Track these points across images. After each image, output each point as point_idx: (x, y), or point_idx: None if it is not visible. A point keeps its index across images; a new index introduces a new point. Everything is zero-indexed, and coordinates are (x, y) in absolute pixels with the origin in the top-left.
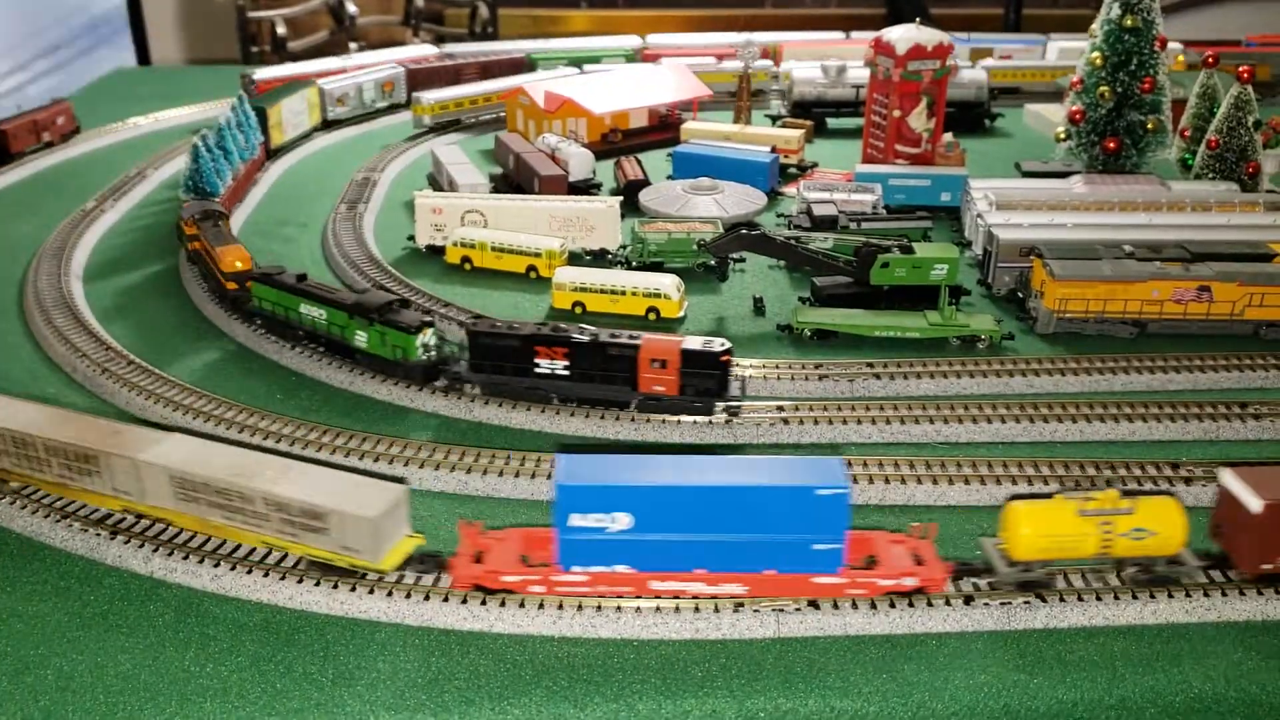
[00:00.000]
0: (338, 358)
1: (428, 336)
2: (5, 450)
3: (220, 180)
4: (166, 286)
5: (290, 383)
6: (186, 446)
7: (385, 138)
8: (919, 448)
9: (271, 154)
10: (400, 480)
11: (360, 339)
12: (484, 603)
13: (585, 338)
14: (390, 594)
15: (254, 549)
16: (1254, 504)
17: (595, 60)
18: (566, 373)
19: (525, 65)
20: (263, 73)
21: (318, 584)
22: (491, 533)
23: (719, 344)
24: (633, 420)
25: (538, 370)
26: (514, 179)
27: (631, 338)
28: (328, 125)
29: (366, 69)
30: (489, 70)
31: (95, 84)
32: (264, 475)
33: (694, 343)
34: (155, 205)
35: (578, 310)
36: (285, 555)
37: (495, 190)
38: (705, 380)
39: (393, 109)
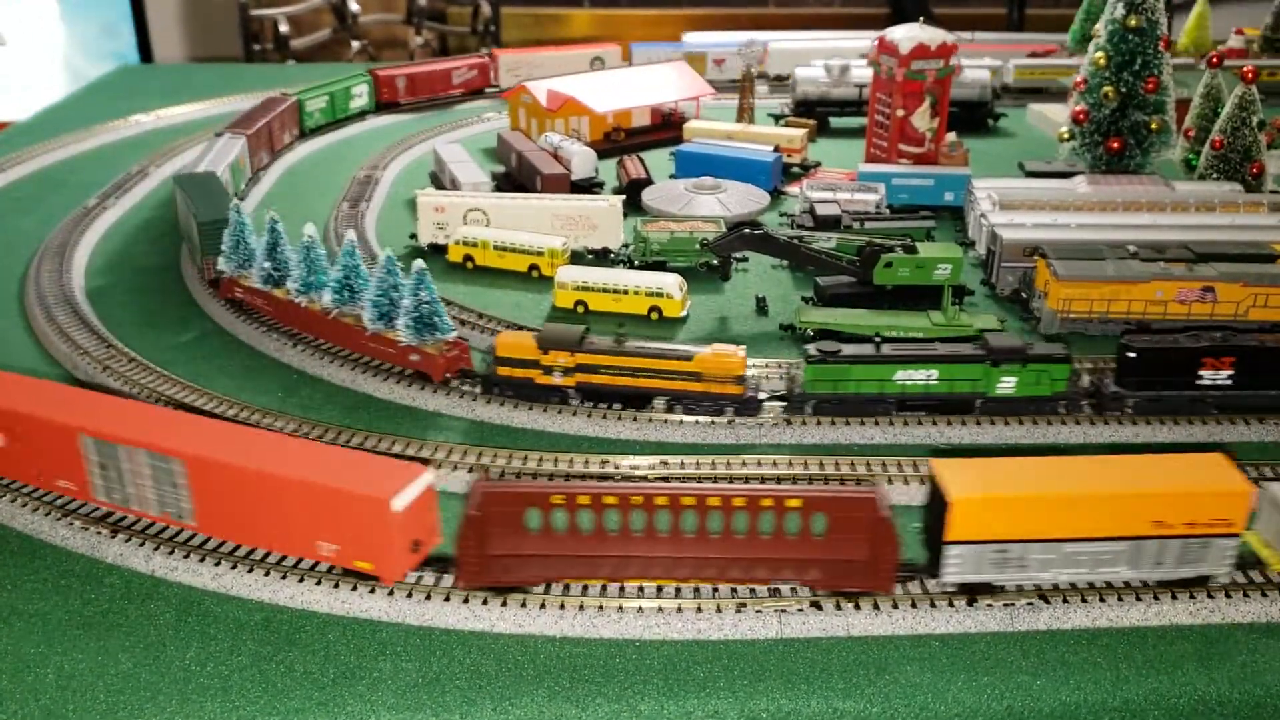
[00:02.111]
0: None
1: None
2: None
3: None
4: (167, 283)
5: (292, 380)
6: None
7: (387, 137)
8: (922, 449)
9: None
10: None
11: (1005, 385)
12: (485, 602)
13: (1255, 344)
14: (391, 593)
15: (254, 548)
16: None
17: (343, 103)
18: (1229, 382)
19: (298, 112)
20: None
21: (319, 583)
22: None
23: None
24: (634, 420)
25: (1201, 382)
26: (516, 177)
27: None
28: None
29: (224, 147)
30: (284, 120)
31: (97, 81)
32: None
33: None
34: (157, 202)
35: (580, 309)
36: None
37: (497, 189)
38: None
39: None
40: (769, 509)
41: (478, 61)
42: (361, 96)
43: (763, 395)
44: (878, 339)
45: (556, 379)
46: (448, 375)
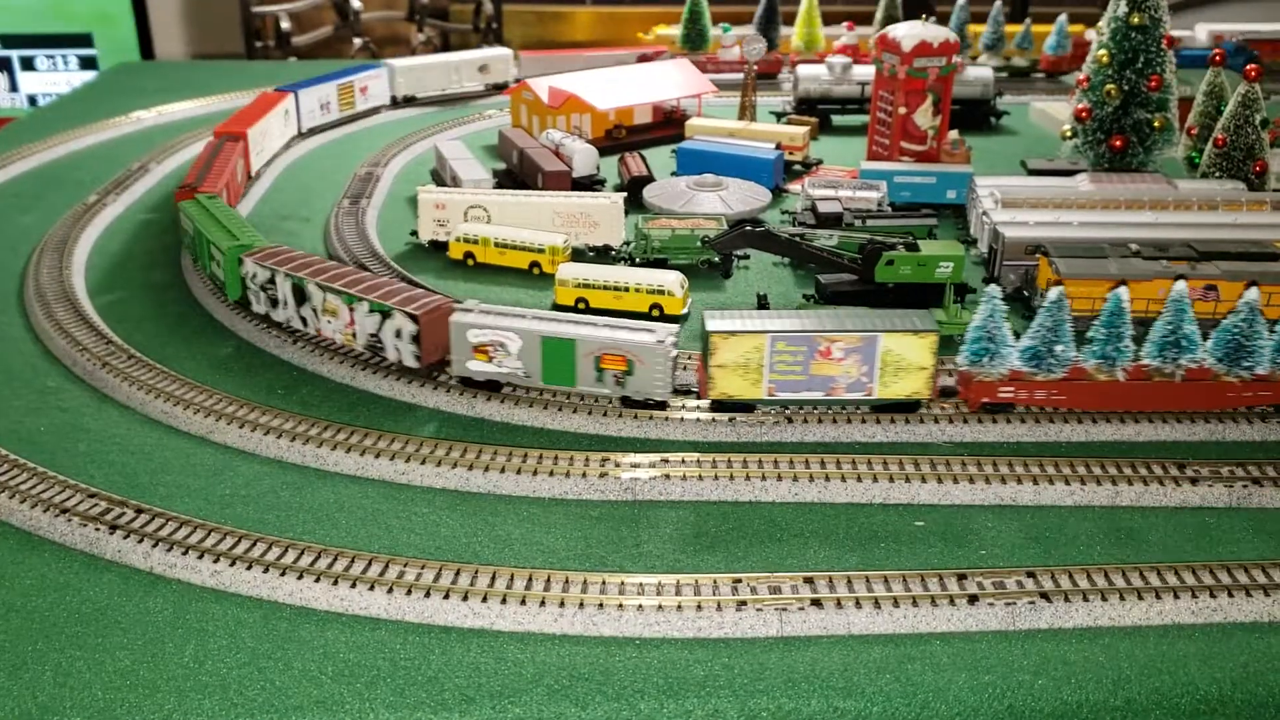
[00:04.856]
0: None
1: None
2: None
3: None
4: (168, 281)
5: (291, 378)
6: None
7: (388, 134)
8: (924, 447)
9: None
10: None
11: None
12: (484, 599)
13: None
14: (390, 590)
15: (253, 543)
16: None
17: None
18: None
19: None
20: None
21: (318, 581)
22: None
23: None
24: (635, 418)
25: None
26: (518, 175)
27: None
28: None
29: None
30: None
31: (98, 78)
32: None
33: None
34: (158, 200)
35: (581, 306)
36: (285, 551)
37: (499, 186)
38: None
39: None
40: None
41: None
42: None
43: None
44: None
45: None
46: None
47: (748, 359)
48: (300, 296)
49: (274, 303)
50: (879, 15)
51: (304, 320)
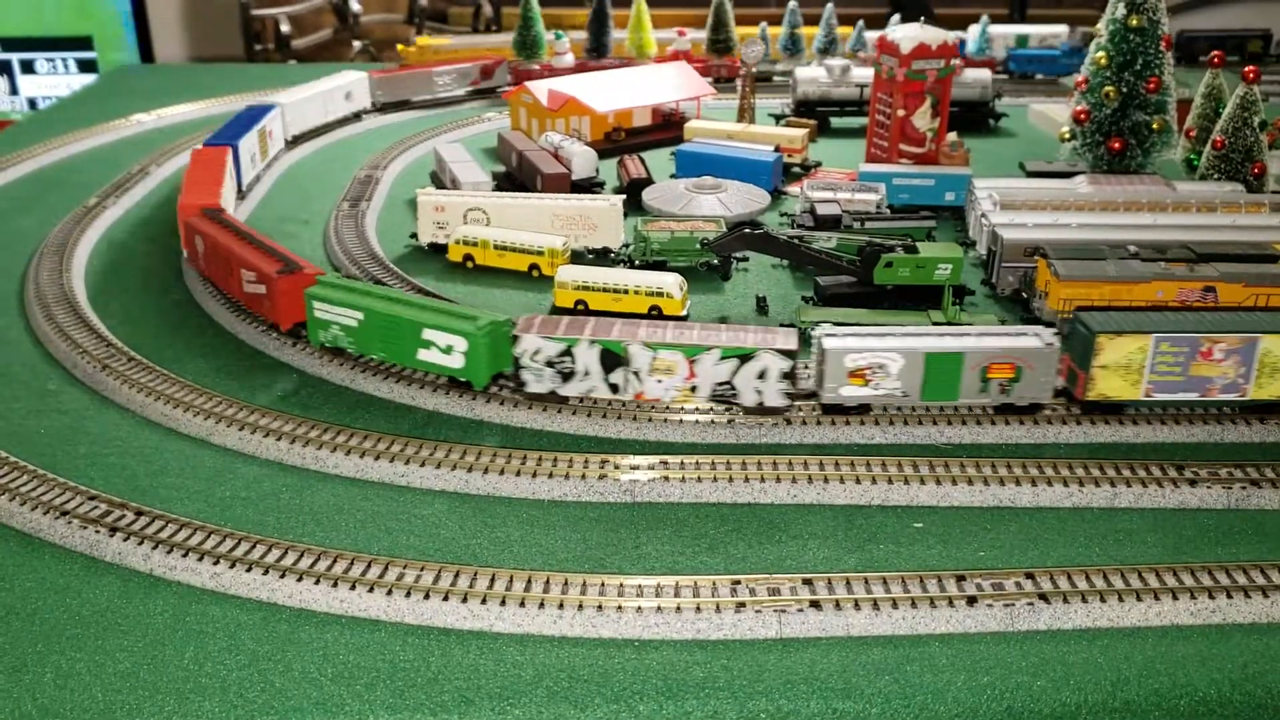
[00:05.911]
0: None
1: None
2: None
3: None
4: (168, 283)
5: (291, 381)
6: None
7: (387, 136)
8: (922, 449)
9: None
10: None
11: None
12: (484, 601)
13: None
14: (390, 593)
15: (253, 545)
16: None
17: None
18: None
19: None
20: None
21: (317, 583)
22: None
23: None
24: (634, 419)
25: None
26: (517, 177)
27: None
28: None
29: None
30: None
31: (98, 81)
32: None
33: None
34: (158, 202)
35: (580, 308)
36: (285, 553)
37: (498, 188)
38: None
39: None
40: None
41: None
42: None
43: None
44: None
45: None
46: None
47: (1130, 360)
48: (612, 361)
49: (565, 376)
50: (709, 20)
51: (613, 387)
